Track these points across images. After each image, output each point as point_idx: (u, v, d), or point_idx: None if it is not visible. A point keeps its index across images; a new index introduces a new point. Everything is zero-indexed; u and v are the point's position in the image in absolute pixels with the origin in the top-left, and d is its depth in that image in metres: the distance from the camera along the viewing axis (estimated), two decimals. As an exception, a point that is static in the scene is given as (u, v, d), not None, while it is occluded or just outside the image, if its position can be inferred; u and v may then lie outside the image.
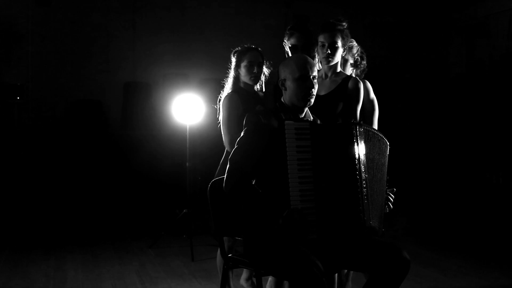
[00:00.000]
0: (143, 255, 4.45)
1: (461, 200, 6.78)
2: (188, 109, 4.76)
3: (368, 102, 3.05)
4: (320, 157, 2.18)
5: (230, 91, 3.09)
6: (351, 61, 3.12)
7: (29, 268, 4.02)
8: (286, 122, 2.17)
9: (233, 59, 3.10)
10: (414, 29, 8.25)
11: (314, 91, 2.35)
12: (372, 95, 3.09)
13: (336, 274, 2.76)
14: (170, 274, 3.94)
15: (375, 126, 3.05)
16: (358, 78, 2.96)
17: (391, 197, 2.41)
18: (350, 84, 2.87)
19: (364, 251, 2.20)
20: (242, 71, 3.05)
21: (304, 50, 3.05)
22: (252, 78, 3.04)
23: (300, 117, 2.38)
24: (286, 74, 2.36)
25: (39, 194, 6.11)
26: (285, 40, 3.15)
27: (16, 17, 6.69)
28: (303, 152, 2.16)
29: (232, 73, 3.11)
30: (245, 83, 3.09)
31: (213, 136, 3.77)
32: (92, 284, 3.70)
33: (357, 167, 2.21)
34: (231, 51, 3.14)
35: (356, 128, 2.25)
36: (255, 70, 3.03)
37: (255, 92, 3.13)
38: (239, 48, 3.11)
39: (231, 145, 2.96)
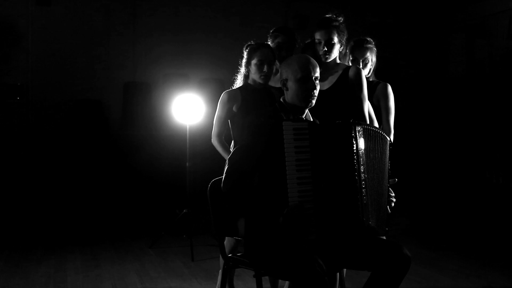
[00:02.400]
0: (143, 255, 4.45)
1: (461, 200, 6.78)
2: (188, 109, 4.76)
3: (387, 105, 3.14)
4: (319, 158, 2.17)
5: (236, 87, 3.08)
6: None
7: (29, 268, 4.02)
8: (284, 122, 2.16)
9: (245, 54, 3.04)
10: (414, 29, 8.24)
11: (316, 92, 2.34)
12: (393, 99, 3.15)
13: (338, 273, 2.76)
14: (170, 274, 3.94)
15: (391, 127, 3.12)
16: (358, 66, 2.96)
17: (392, 194, 2.40)
18: (351, 73, 2.84)
19: (365, 250, 2.21)
20: (253, 68, 2.99)
21: (288, 51, 3.10)
22: (262, 77, 2.97)
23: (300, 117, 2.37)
24: (288, 74, 2.35)
25: (39, 194, 6.11)
26: (269, 42, 3.15)
27: (16, 17, 6.68)
28: (301, 153, 2.15)
29: (242, 70, 3.06)
30: (254, 80, 3.03)
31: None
32: (92, 284, 3.69)
33: (356, 167, 2.20)
34: (242, 46, 3.08)
35: (355, 127, 2.23)
36: (265, 69, 2.95)
37: (265, 88, 3.04)
38: (252, 42, 3.05)
39: (213, 139, 3.08)
